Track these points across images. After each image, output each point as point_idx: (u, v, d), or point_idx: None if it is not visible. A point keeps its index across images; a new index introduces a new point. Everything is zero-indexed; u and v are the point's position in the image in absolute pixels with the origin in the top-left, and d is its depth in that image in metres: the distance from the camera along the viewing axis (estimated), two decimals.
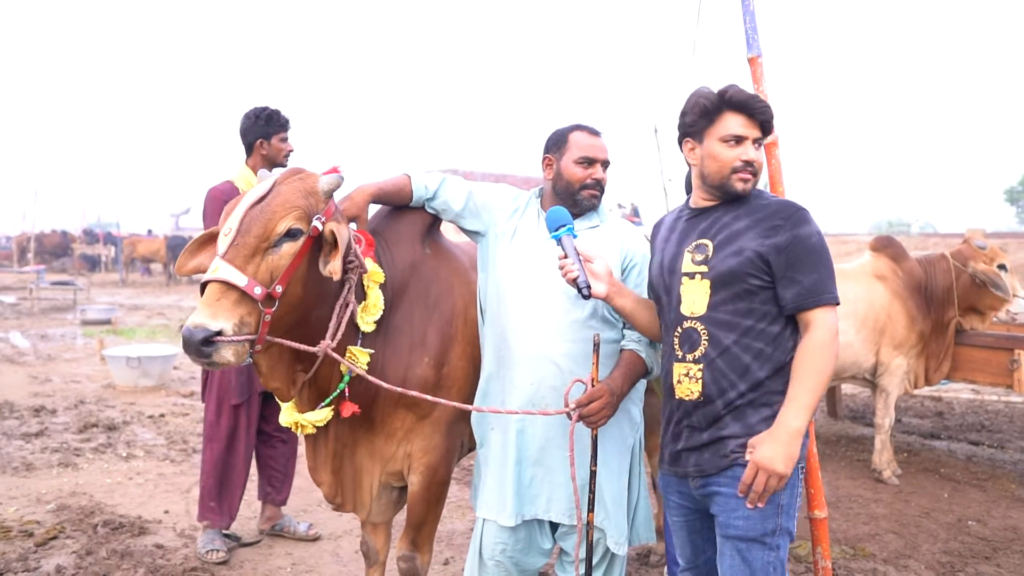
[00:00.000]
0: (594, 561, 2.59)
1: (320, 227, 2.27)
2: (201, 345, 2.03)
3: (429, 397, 2.46)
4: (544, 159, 2.70)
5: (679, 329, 2.19)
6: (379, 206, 2.79)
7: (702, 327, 2.14)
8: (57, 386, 8.02)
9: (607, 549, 2.59)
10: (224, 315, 2.08)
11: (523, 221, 2.68)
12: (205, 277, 2.14)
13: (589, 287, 2.26)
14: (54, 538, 4.03)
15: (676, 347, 2.19)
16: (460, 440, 2.85)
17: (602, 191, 2.65)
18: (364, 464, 2.75)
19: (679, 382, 2.18)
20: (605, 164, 2.65)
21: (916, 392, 8.29)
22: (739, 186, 2.16)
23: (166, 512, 4.47)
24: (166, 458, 5.54)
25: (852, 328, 5.22)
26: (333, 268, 2.25)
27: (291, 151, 3.96)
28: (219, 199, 3.76)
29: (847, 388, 7.83)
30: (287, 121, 3.95)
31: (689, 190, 2.52)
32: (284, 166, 3.90)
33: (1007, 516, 4.71)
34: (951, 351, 5.52)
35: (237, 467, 3.90)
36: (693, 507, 2.28)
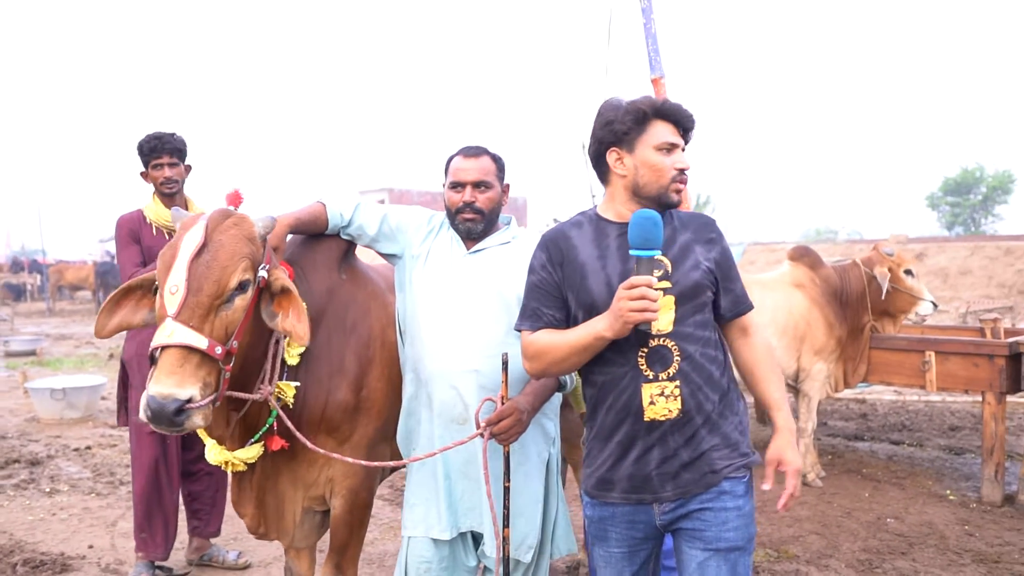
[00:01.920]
0: (513, 574, 2.64)
1: (267, 276, 2.28)
2: (174, 416, 2.01)
3: (363, 462, 2.59)
4: (444, 186, 2.75)
5: (645, 349, 2.06)
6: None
7: (672, 343, 2.06)
8: None
9: (523, 562, 2.64)
10: (190, 381, 2.06)
11: (437, 243, 2.71)
12: (163, 342, 2.07)
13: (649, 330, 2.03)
14: None
15: (644, 368, 2.06)
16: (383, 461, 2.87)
17: (481, 213, 2.61)
18: (287, 492, 2.75)
19: (651, 403, 2.05)
20: (480, 185, 2.61)
21: (840, 395, 8.60)
22: (674, 196, 2.13)
23: (90, 547, 4.37)
24: (92, 491, 5.40)
25: (774, 336, 5.39)
26: (302, 330, 2.26)
27: (167, 177, 3.83)
28: (124, 227, 3.80)
29: None
30: (156, 147, 3.82)
31: None
32: (165, 194, 3.86)
33: (923, 512, 4.91)
34: (867, 354, 5.74)
35: (165, 496, 3.85)
36: (642, 536, 2.19)
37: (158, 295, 2.19)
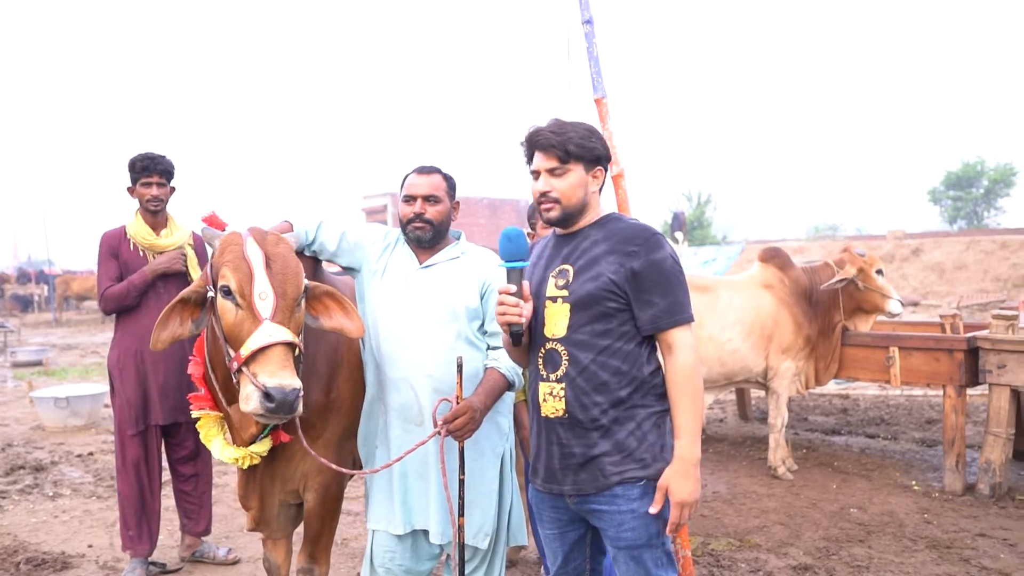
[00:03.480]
0: (472, 562, 2.88)
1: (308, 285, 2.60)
2: (293, 403, 2.26)
3: (355, 472, 2.90)
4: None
5: (543, 350, 2.32)
6: None
7: (562, 348, 2.28)
8: None
9: (481, 549, 2.87)
10: (294, 372, 2.33)
11: (393, 257, 2.96)
12: (266, 341, 2.31)
13: (521, 336, 2.31)
14: None
15: (540, 367, 2.34)
16: (351, 458, 3.11)
17: (431, 223, 2.87)
18: (267, 486, 2.99)
19: (544, 400, 2.32)
20: (430, 199, 2.87)
21: (824, 391, 8.82)
22: (544, 215, 2.35)
23: (90, 547, 4.61)
24: (92, 495, 5.65)
25: (740, 335, 5.61)
26: (356, 325, 2.64)
27: (154, 196, 4.08)
28: (105, 243, 4.10)
29: (757, 392, 8.24)
30: (148, 166, 4.07)
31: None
32: (150, 211, 4.12)
33: (886, 502, 5.12)
34: (838, 352, 5.94)
35: (147, 496, 4.09)
36: (568, 519, 2.42)
37: (242, 302, 2.42)
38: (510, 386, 2.82)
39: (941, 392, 8.17)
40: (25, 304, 28.22)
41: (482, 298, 2.87)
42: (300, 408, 2.31)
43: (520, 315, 2.25)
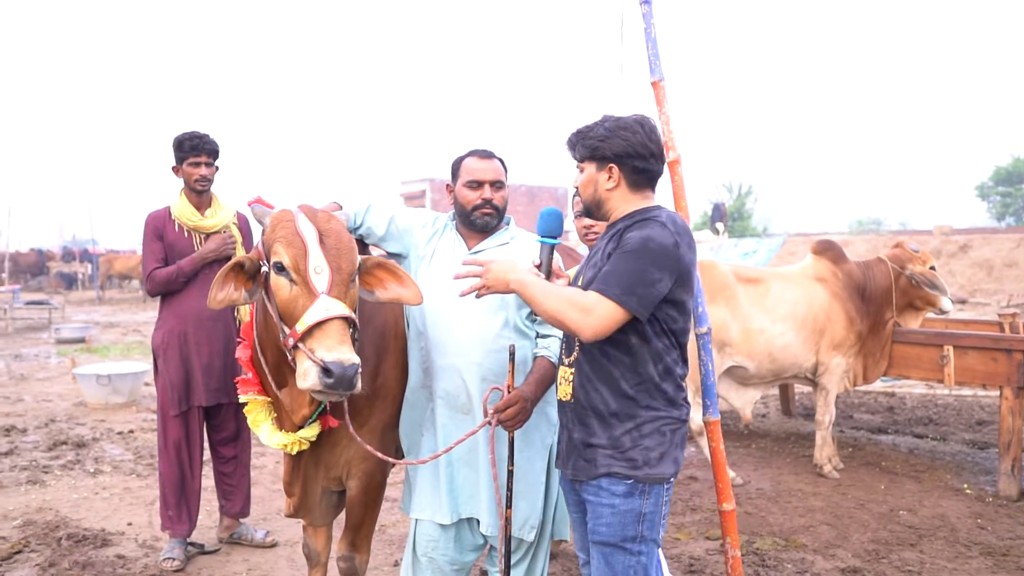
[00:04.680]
0: (516, 554, 2.81)
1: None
2: (352, 378, 2.20)
3: (397, 461, 2.81)
4: (446, 186, 2.94)
5: (565, 337, 2.42)
6: None
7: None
8: (29, 405, 8.13)
9: (527, 541, 2.80)
10: (352, 347, 2.27)
11: (441, 243, 2.89)
12: (323, 316, 2.24)
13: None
14: (18, 552, 4.18)
15: (562, 352, 2.43)
16: (394, 446, 3.05)
17: (497, 209, 2.84)
18: (309, 472, 2.94)
19: (559, 384, 2.40)
20: (496, 184, 2.84)
21: (869, 388, 8.60)
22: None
23: (129, 524, 4.63)
24: (132, 472, 5.69)
25: (792, 329, 5.46)
26: (413, 293, 2.59)
27: (202, 175, 4.05)
28: (150, 224, 4.07)
29: (801, 387, 8.07)
30: (197, 145, 4.03)
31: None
32: (197, 191, 4.08)
33: (937, 505, 4.96)
34: (888, 350, 5.77)
35: (187, 477, 4.09)
36: (582, 504, 2.41)
37: (297, 277, 2.35)
38: None
39: (992, 393, 8.11)
40: (69, 282, 28.76)
41: None
42: (359, 384, 2.24)
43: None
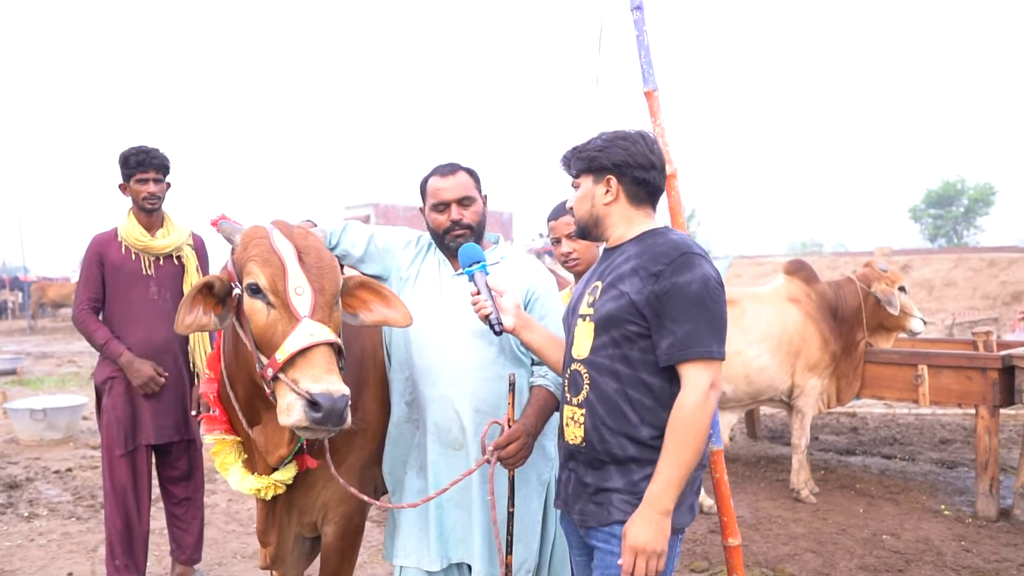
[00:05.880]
0: None
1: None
2: (343, 412, 1.94)
3: (385, 504, 2.52)
4: (420, 210, 2.69)
5: (568, 371, 2.16)
6: None
7: (585, 371, 2.10)
8: None
9: None
10: (340, 377, 2.01)
11: (425, 264, 2.66)
12: (308, 342, 2.00)
13: (501, 323, 2.26)
14: None
15: (565, 389, 2.18)
16: (373, 485, 2.80)
17: (471, 228, 2.58)
18: (282, 518, 2.66)
19: (567, 425, 2.15)
20: (464, 201, 2.58)
21: (830, 409, 8.57)
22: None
23: (69, 574, 4.24)
24: (72, 516, 5.26)
25: (768, 352, 5.34)
26: (401, 314, 2.37)
27: (151, 192, 3.72)
28: (91, 249, 3.75)
29: (765, 408, 7.99)
30: (144, 160, 3.72)
31: None
32: (146, 210, 3.76)
33: (918, 528, 4.86)
34: (861, 370, 5.69)
35: (134, 521, 3.74)
36: (591, 549, 2.20)
37: (275, 299, 2.11)
38: (558, 406, 2.52)
39: (951, 410, 8.15)
40: None
41: (526, 308, 2.57)
42: (349, 418, 1.99)
43: (490, 306, 2.27)
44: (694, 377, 1.93)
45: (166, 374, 3.71)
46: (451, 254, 2.62)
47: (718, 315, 1.97)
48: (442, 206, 2.58)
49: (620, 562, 1.94)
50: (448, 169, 2.63)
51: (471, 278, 2.34)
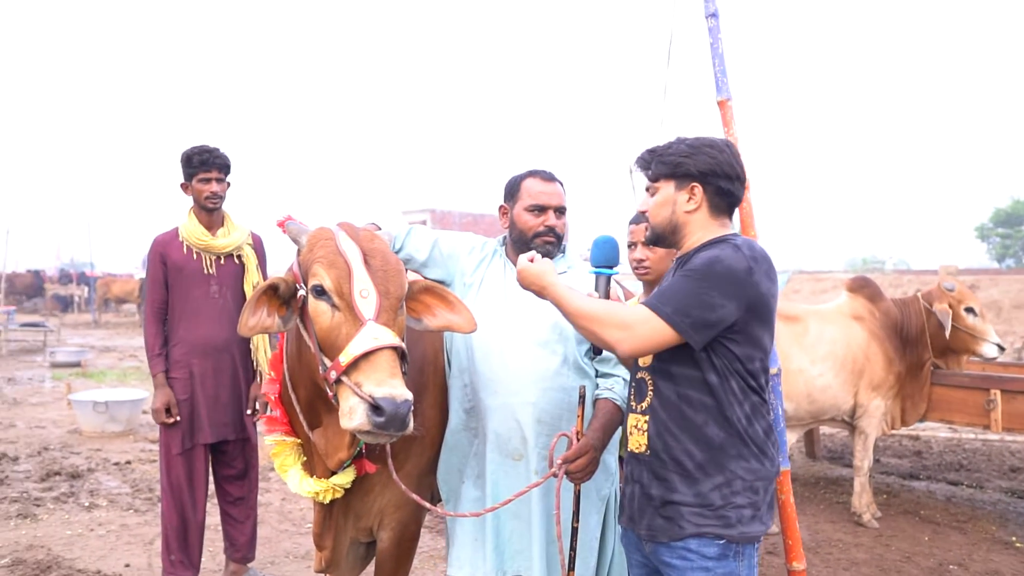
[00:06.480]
0: None
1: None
2: (406, 417, 1.93)
3: (440, 511, 2.53)
4: (500, 208, 2.67)
5: (634, 380, 2.16)
6: None
7: (649, 378, 2.08)
8: (21, 432, 7.80)
9: None
10: (403, 381, 1.99)
11: (490, 271, 2.64)
12: (372, 345, 1.98)
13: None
14: None
15: (631, 398, 2.16)
16: (430, 493, 2.77)
17: (558, 237, 2.58)
18: (338, 522, 2.64)
19: (631, 433, 2.13)
20: (559, 210, 2.59)
21: (893, 432, 8.31)
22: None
23: (127, 566, 4.31)
24: (130, 508, 5.36)
25: (831, 370, 5.19)
26: (465, 319, 2.34)
27: (213, 192, 3.76)
28: (154, 250, 3.80)
29: (825, 428, 7.78)
30: (207, 160, 3.74)
31: None
32: (208, 209, 3.79)
33: (988, 559, 4.66)
34: (927, 392, 5.49)
35: (190, 518, 3.77)
36: (653, 567, 2.15)
37: (340, 302, 2.10)
38: (624, 420, 2.47)
39: (1020, 437, 7.81)
40: (65, 304, 28.38)
41: None
42: (412, 424, 1.96)
43: None
44: (642, 315, 1.93)
45: (177, 418, 3.71)
46: (516, 257, 2.58)
47: (697, 290, 1.91)
48: (539, 209, 2.57)
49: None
50: (548, 175, 2.64)
51: (596, 278, 2.26)
